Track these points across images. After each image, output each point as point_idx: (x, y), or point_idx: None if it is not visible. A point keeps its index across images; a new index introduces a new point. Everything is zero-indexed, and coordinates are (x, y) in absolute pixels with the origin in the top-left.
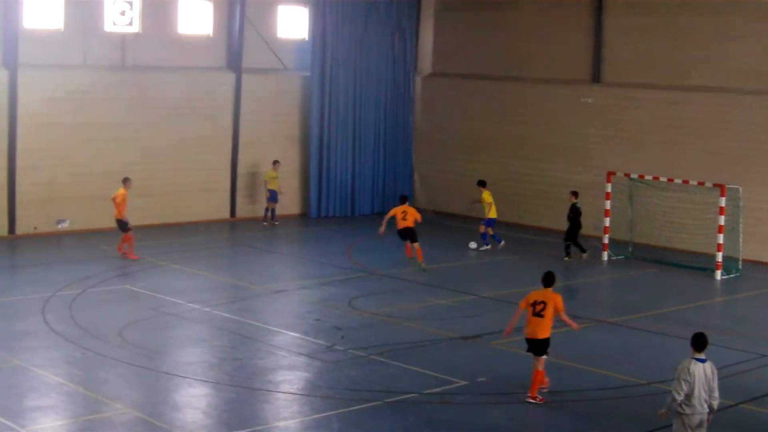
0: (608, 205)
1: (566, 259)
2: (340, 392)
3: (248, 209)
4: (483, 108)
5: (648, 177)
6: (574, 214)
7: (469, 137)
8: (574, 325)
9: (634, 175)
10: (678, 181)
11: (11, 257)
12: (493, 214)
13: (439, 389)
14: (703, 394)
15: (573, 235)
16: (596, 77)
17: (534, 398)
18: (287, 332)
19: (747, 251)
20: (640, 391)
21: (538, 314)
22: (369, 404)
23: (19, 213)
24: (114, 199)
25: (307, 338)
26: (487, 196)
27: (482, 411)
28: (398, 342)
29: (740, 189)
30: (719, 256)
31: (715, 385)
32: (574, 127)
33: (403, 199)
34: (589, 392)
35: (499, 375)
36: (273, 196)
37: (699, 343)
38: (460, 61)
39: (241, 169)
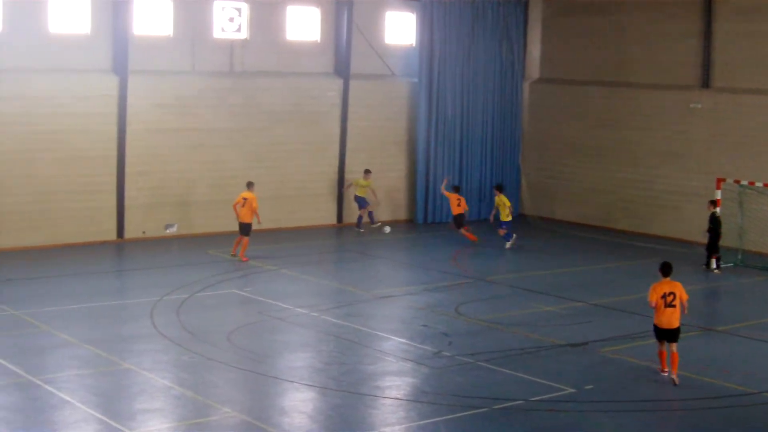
0: (718, 211)
1: (715, 270)
2: (447, 398)
3: (355, 214)
4: (591, 114)
5: (758, 183)
6: (714, 224)
7: (576, 143)
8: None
9: (744, 182)
10: None
11: (120, 261)
12: (508, 217)
13: (546, 396)
14: None
15: (714, 246)
16: (706, 82)
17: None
18: (394, 338)
19: None
20: (751, 400)
21: (670, 305)
22: (475, 411)
23: (128, 217)
24: (243, 204)
25: (414, 344)
26: (504, 200)
27: (590, 419)
28: (505, 349)
29: None
30: None
31: None
32: (684, 132)
33: (456, 189)
34: (699, 401)
35: (606, 383)
36: (361, 203)
37: None
38: (567, 67)
39: (349, 175)
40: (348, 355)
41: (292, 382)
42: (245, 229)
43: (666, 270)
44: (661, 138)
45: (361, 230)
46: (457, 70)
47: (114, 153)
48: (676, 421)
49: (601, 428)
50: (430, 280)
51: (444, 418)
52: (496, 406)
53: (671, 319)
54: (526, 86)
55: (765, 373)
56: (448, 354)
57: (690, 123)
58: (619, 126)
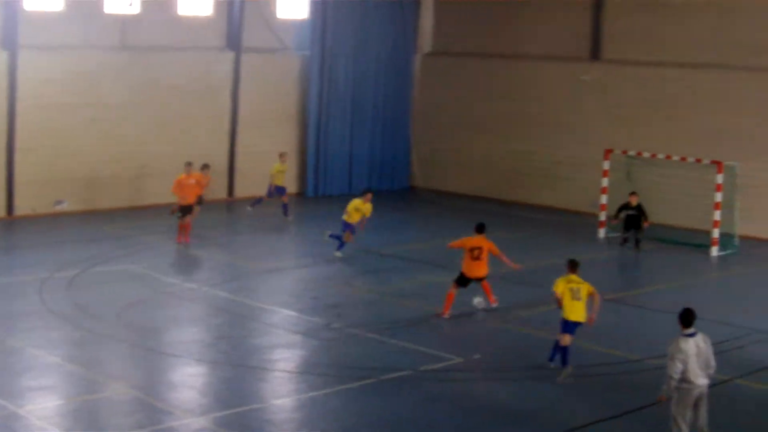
0: (605, 182)
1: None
2: (337, 370)
3: (248, 189)
4: (482, 86)
5: (646, 154)
6: (639, 212)
7: (467, 115)
8: (515, 265)
9: (632, 152)
10: (675, 158)
11: (9, 238)
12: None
13: (435, 366)
14: (698, 369)
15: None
16: (596, 54)
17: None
18: (284, 310)
19: (744, 228)
20: (636, 366)
21: (477, 258)
22: (365, 382)
23: (18, 194)
24: (188, 184)
25: (304, 316)
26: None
27: (479, 387)
28: (394, 320)
29: (737, 166)
30: (715, 233)
31: (710, 354)
32: (574, 104)
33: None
34: (586, 368)
35: (495, 352)
36: (280, 191)
37: (686, 318)
38: (459, 39)
39: (240, 149)
40: (238, 329)
41: (181, 357)
42: (188, 210)
43: (479, 229)
44: (552, 110)
45: (289, 218)
46: (349, 43)
47: (3, 129)
48: (564, 388)
49: (489, 396)
50: (321, 252)
51: (334, 389)
52: (385, 377)
53: (473, 269)
54: (417, 59)
55: (648, 340)
56: (337, 326)
57: (580, 95)
58: (510, 98)
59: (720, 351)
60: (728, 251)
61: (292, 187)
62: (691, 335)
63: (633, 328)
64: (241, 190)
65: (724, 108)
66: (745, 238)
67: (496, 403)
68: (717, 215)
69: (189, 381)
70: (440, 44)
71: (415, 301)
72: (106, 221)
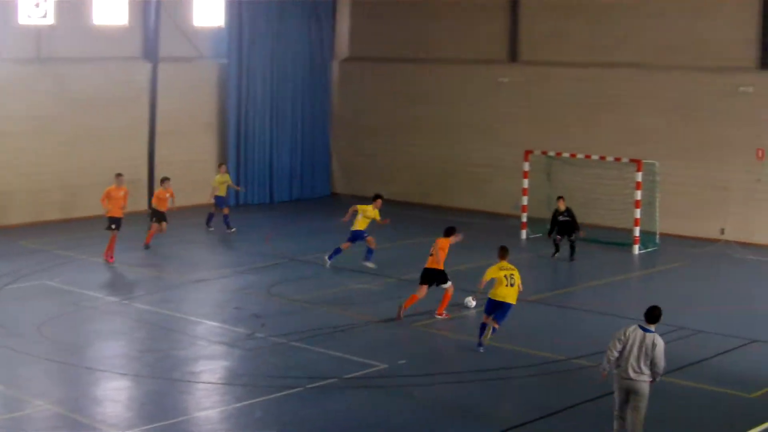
0: (526, 183)
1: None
2: (261, 380)
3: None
4: (401, 91)
5: (565, 154)
6: (570, 216)
7: (387, 120)
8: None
9: (552, 153)
10: (595, 157)
11: None
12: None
13: (360, 373)
14: (635, 360)
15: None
16: (513, 56)
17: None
18: (207, 321)
19: (664, 225)
20: (561, 366)
21: (431, 254)
22: (290, 391)
23: None
24: (118, 197)
25: (227, 327)
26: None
27: (403, 393)
28: (318, 327)
29: (656, 164)
30: (636, 231)
31: (656, 357)
32: (492, 106)
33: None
34: (511, 370)
35: (419, 357)
36: (220, 202)
37: (650, 315)
38: (377, 44)
39: (159, 159)
40: (161, 342)
41: (105, 371)
42: (117, 223)
43: (446, 232)
44: (471, 112)
45: (211, 229)
46: (266, 51)
47: None
48: (489, 390)
49: (414, 401)
50: (243, 262)
51: (258, 399)
52: (310, 385)
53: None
54: (335, 65)
55: (572, 340)
56: (261, 335)
57: (498, 97)
58: (429, 102)
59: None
60: (649, 248)
61: (211, 197)
62: (647, 330)
63: (557, 328)
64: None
65: (641, 107)
66: (665, 236)
67: (422, 408)
68: (638, 213)
69: (113, 395)
70: (358, 50)
71: (338, 307)
72: (22, 236)
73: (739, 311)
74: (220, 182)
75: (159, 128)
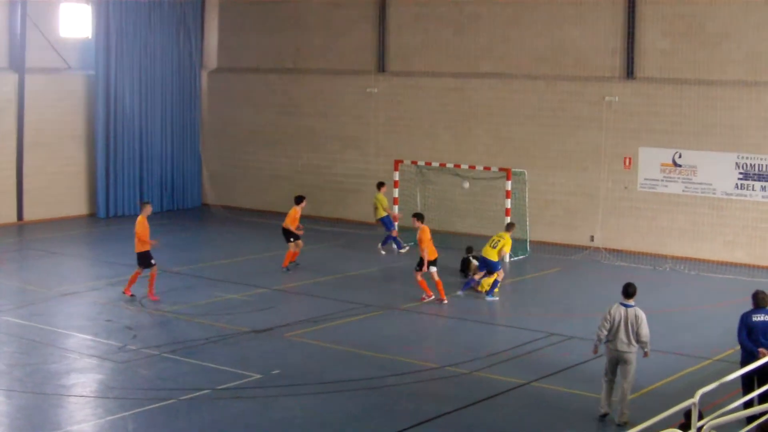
0: (396, 193)
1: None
2: (134, 392)
3: (37, 212)
4: (271, 101)
5: (435, 163)
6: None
7: (258, 131)
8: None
9: (421, 163)
10: (464, 166)
11: None
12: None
13: (232, 384)
14: (624, 335)
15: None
16: (381, 67)
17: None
18: (78, 334)
19: (535, 233)
20: (435, 374)
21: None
22: (163, 403)
23: None
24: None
25: (99, 339)
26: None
27: (276, 403)
28: (190, 339)
29: (526, 172)
30: None
31: (640, 327)
32: (362, 117)
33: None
34: (384, 378)
35: (292, 366)
36: (388, 222)
37: (626, 291)
38: (246, 55)
39: (27, 170)
40: (32, 356)
41: None
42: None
43: (418, 217)
44: (341, 123)
45: (383, 252)
46: (134, 62)
47: None
48: (363, 399)
49: (288, 411)
50: (114, 274)
51: (131, 412)
52: (183, 397)
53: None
54: (204, 75)
55: (445, 348)
56: (133, 347)
57: (367, 107)
58: (299, 113)
59: (518, 355)
60: (520, 256)
61: (83, 209)
62: (627, 306)
63: (428, 336)
64: (31, 213)
65: (510, 116)
66: (536, 243)
67: (296, 419)
68: (507, 221)
69: None
70: (226, 60)
71: (210, 319)
72: None
73: None
74: (381, 201)
75: (27, 139)
